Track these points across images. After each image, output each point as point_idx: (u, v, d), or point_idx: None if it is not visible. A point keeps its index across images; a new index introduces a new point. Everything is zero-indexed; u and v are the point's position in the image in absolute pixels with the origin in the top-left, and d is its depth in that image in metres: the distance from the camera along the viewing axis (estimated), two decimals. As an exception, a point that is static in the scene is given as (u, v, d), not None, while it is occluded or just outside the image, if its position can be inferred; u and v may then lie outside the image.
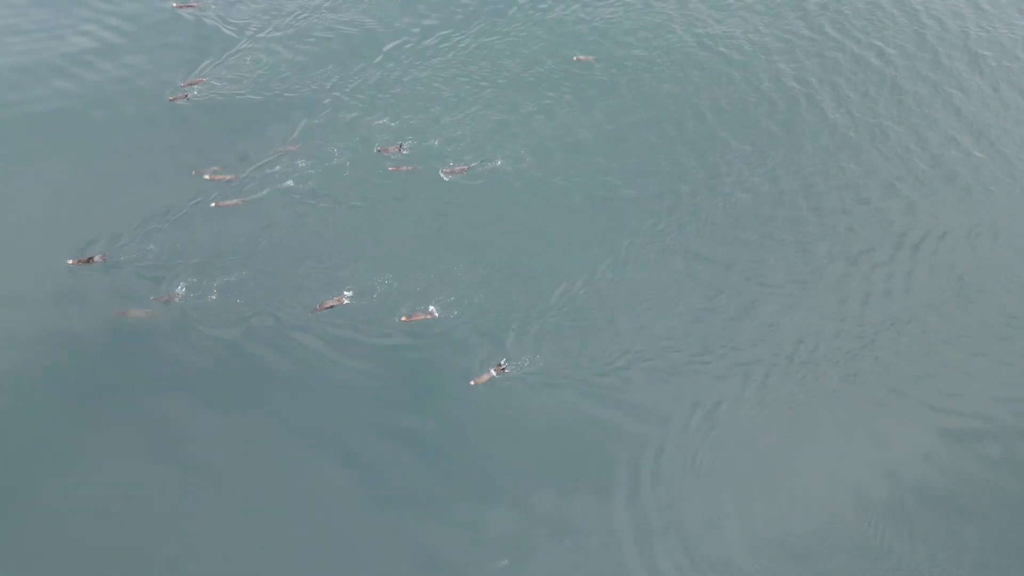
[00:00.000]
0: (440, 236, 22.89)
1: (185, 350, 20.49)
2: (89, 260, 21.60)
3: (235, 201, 22.95)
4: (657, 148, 25.31)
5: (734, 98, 26.55)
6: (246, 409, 19.77)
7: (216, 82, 26.20)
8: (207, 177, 23.50)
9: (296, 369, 20.46)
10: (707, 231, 23.33)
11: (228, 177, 23.56)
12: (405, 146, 24.79)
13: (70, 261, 21.56)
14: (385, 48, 27.92)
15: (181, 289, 21.31)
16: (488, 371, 20.30)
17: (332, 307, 21.21)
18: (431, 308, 21.40)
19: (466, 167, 24.14)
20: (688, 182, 24.47)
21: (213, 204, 22.75)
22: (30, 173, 23.77)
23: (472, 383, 19.94)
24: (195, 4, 28.56)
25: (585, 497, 18.55)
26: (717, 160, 24.96)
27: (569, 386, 20.25)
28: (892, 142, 25.58)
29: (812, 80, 27.30)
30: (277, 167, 23.93)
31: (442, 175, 23.92)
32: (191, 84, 25.92)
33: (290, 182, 23.65)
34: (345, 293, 21.43)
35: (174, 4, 28.66)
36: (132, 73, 26.61)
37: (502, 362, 20.44)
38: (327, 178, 23.87)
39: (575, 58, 27.53)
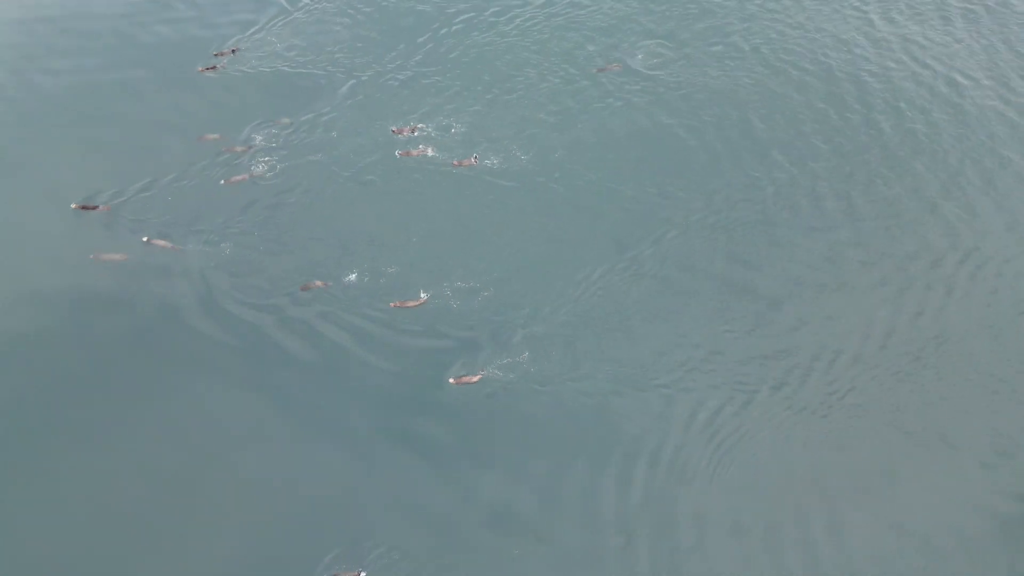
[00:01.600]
0: (445, 226, 22.21)
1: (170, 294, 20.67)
2: (93, 207, 22.04)
3: (242, 176, 22.86)
4: (693, 154, 23.94)
5: (788, 113, 25.00)
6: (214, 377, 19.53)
7: (250, 53, 26.34)
8: (226, 150, 23.57)
9: (270, 340, 20.15)
10: (737, 240, 21.90)
11: (239, 149, 23.54)
12: (416, 129, 24.27)
13: (73, 205, 22.09)
14: (431, 28, 27.53)
15: (175, 242, 21.60)
16: (472, 373, 19.35)
17: (317, 287, 20.93)
18: (422, 296, 20.67)
19: (475, 160, 23.35)
20: (721, 190, 23.04)
21: (223, 182, 22.72)
22: (57, 128, 24.45)
23: (452, 381, 19.07)
24: None
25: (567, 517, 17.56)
26: (757, 170, 23.50)
27: (560, 394, 19.11)
28: (947, 163, 23.71)
29: (876, 102, 25.45)
30: (287, 144, 23.79)
31: (452, 164, 23.30)
32: (222, 55, 26.04)
33: (300, 160, 23.46)
34: (317, 282, 20.98)
35: None
36: (182, 37, 27.08)
37: (484, 369, 19.47)
38: (338, 158, 23.59)
39: (596, 70, 26.22)
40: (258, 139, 23.91)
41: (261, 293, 20.82)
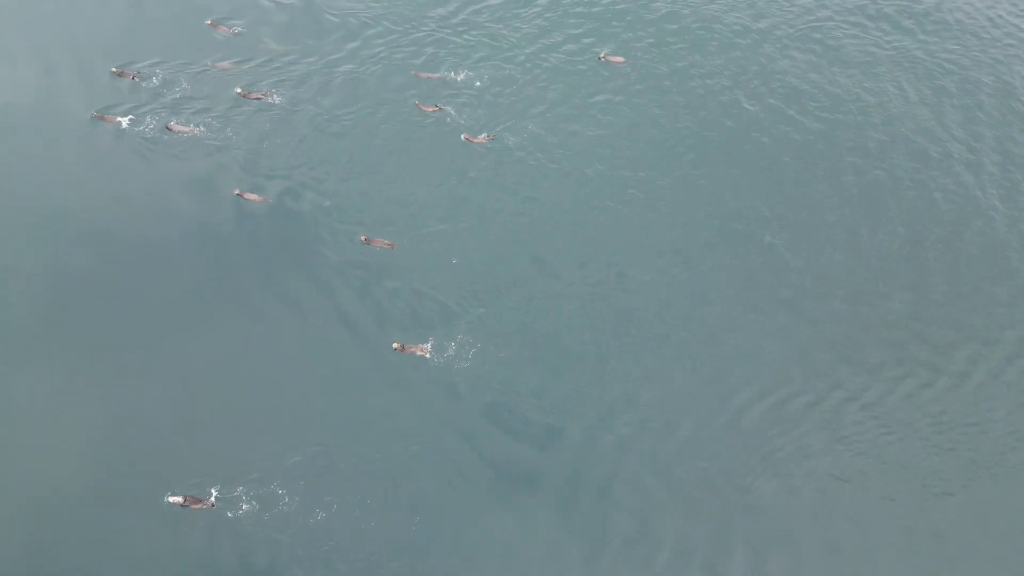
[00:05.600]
0: (444, 186, 22.03)
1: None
2: (125, 74, 23.60)
3: (258, 95, 23.48)
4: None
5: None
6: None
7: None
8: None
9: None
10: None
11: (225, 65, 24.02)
12: (440, 77, 24.32)
13: (113, 69, 23.68)
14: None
15: (195, 126, 22.58)
16: (417, 345, 18.93)
17: (255, 200, 21.44)
18: (392, 240, 20.75)
19: (489, 137, 22.98)
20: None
21: (239, 90, 23.44)
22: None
23: (395, 347, 18.78)
24: None
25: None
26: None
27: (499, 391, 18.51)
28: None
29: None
30: (314, 78, 24.25)
31: (463, 138, 23.00)
32: None
33: (319, 89, 23.94)
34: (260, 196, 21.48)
35: None
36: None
37: (428, 344, 18.99)
38: (356, 96, 23.90)
39: (602, 55, 25.26)
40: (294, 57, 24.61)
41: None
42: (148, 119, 22.30)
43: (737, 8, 26.87)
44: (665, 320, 19.56)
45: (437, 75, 24.16)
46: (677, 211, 21.60)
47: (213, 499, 16.32)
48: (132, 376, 18.08)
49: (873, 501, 17.25)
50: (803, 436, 18.05)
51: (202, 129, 22.18)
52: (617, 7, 26.80)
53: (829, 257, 20.93)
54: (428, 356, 18.65)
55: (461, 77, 24.24)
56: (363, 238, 20.42)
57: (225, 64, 23.84)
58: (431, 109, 23.23)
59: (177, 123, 22.21)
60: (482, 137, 22.79)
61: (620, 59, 25.22)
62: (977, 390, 18.88)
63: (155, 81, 23.20)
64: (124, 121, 22.21)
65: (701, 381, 18.70)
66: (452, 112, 23.22)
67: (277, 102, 23.11)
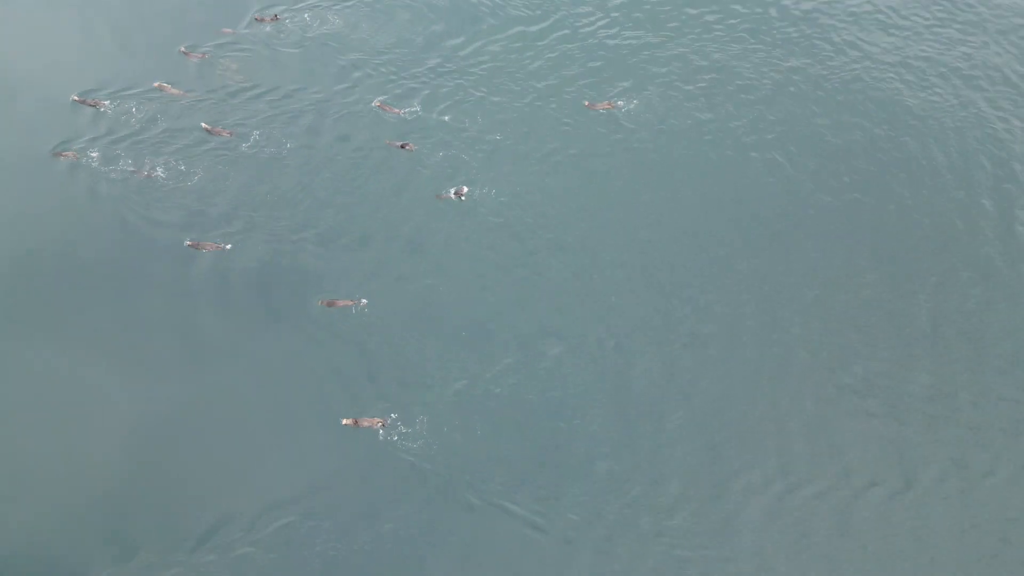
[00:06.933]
0: (412, 241, 21.27)
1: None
2: (89, 103, 22.59)
3: (224, 132, 22.62)
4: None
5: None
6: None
7: (292, 24, 25.73)
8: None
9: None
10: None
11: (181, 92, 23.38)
12: (404, 112, 23.54)
13: (74, 97, 22.75)
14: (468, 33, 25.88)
15: (154, 168, 21.87)
16: (370, 420, 18.23)
17: (206, 248, 20.86)
18: (357, 301, 20.00)
19: (458, 195, 22.03)
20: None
21: (204, 125, 22.65)
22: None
23: (345, 422, 18.18)
24: None
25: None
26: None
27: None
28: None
29: None
30: (281, 116, 23.40)
31: (436, 197, 22.09)
32: (265, 20, 25.40)
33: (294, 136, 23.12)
34: (226, 245, 20.91)
35: None
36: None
37: (387, 419, 18.36)
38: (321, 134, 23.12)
39: (586, 103, 23.97)
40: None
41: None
42: (108, 153, 21.41)
43: (757, 56, 25.42)
44: (664, 400, 18.71)
45: (400, 111, 23.22)
46: (679, 278, 20.62)
47: None
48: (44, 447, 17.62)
49: None
50: (807, 530, 17.35)
51: (162, 167, 21.43)
52: (615, 49, 25.36)
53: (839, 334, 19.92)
54: (384, 431, 18.02)
55: (433, 118, 23.20)
56: (323, 302, 19.68)
57: (173, 89, 22.95)
58: (409, 147, 22.31)
59: (148, 169, 21.41)
60: (450, 193, 21.79)
61: (608, 105, 23.84)
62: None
63: (119, 111, 22.28)
64: (83, 155, 21.32)
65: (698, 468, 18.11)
66: (445, 158, 22.38)
67: (239, 140, 22.23)
